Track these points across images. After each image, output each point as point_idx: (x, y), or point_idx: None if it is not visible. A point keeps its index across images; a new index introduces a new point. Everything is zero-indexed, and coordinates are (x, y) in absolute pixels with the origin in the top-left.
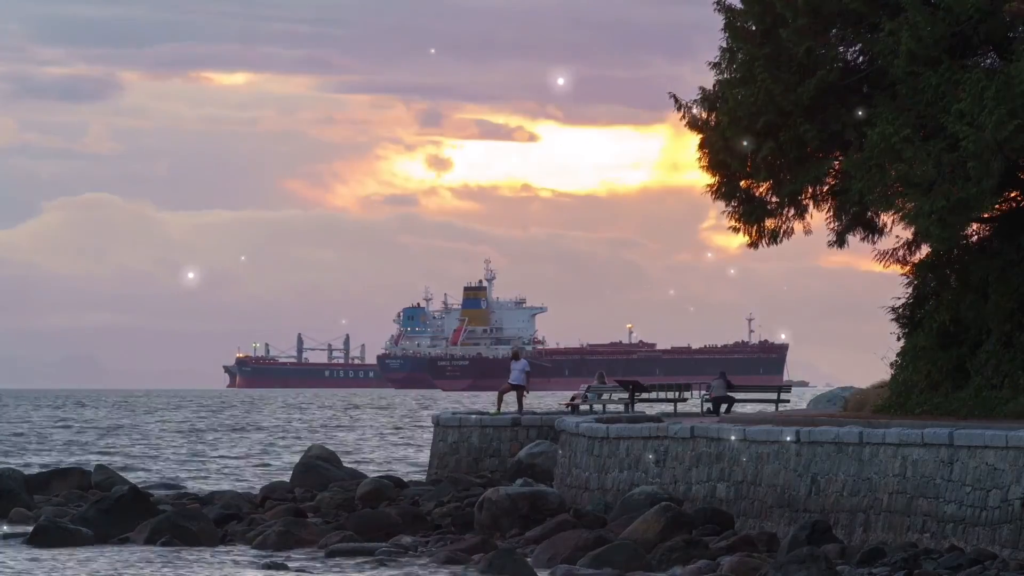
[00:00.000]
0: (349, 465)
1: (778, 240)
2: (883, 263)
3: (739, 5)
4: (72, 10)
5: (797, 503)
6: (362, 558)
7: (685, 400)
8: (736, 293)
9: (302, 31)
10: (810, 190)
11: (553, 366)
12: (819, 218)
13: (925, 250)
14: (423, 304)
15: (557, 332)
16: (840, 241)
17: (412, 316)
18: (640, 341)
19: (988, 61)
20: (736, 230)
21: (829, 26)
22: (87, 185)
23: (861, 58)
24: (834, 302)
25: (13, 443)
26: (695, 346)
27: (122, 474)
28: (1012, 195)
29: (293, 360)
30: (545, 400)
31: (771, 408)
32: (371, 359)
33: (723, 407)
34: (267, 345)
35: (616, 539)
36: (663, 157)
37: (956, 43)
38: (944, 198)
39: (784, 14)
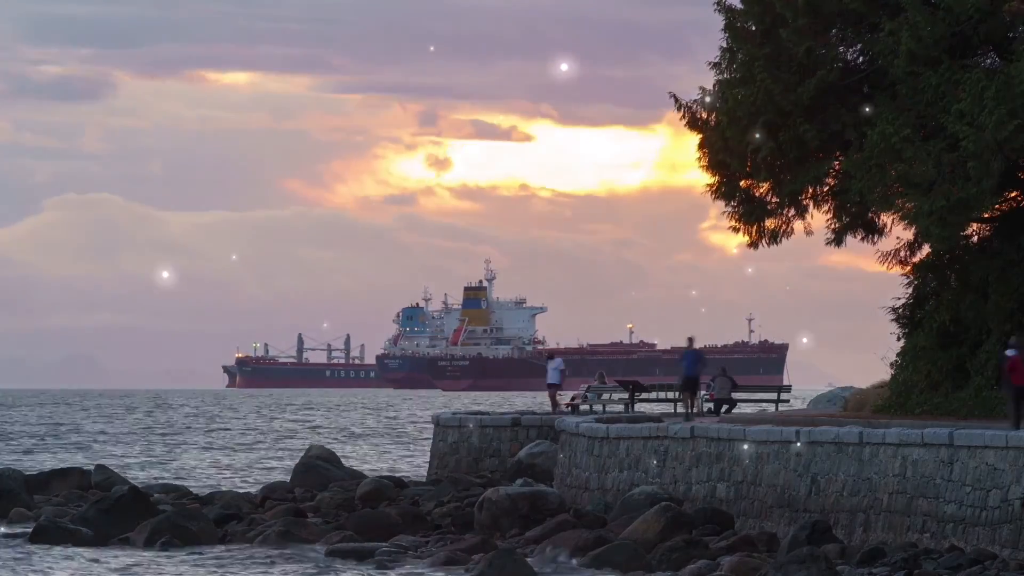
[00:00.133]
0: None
1: (778, 240)
2: (884, 263)
3: (739, 5)
4: (69, 10)
5: (797, 503)
6: (362, 558)
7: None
8: (736, 293)
9: (299, 31)
10: (810, 190)
11: None
12: (819, 218)
13: (925, 250)
14: (422, 304)
15: (557, 332)
16: (840, 241)
17: (411, 316)
18: (640, 341)
19: (988, 61)
20: (736, 230)
21: (829, 26)
22: (86, 185)
23: (861, 58)
24: (834, 302)
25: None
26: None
27: (123, 474)
28: (1012, 195)
29: (293, 360)
30: (545, 400)
31: (771, 408)
32: (371, 359)
33: (724, 408)
34: (266, 345)
35: (616, 539)
36: (662, 157)
37: (956, 43)
38: (944, 198)
39: (784, 14)
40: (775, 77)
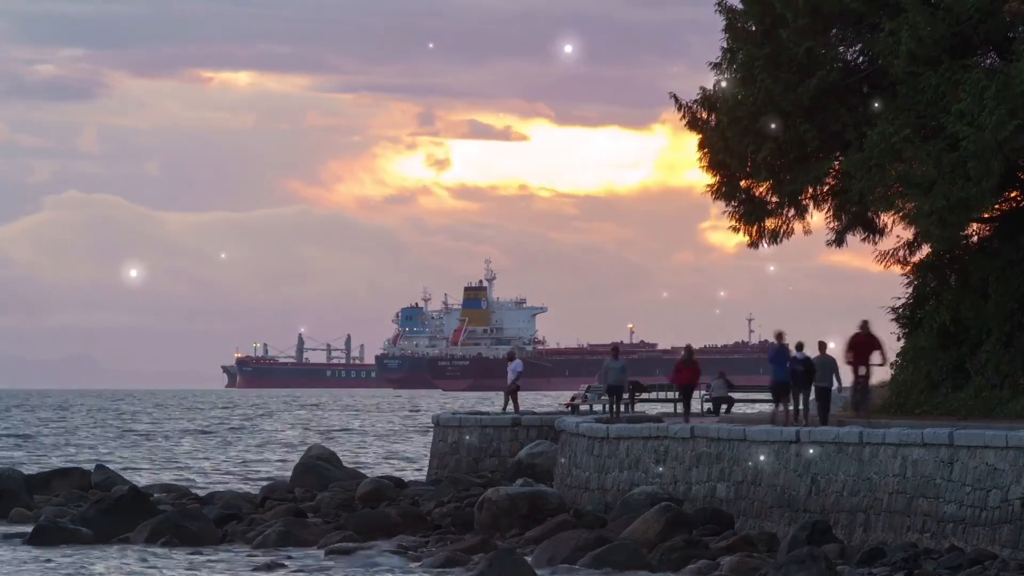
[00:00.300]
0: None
1: (778, 240)
2: (884, 263)
3: (739, 6)
4: (63, 9)
5: (797, 503)
6: (362, 558)
7: None
8: (737, 293)
9: (297, 30)
10: (810, 190)
11: (553, 366)
12: (819, 218)
13: (925, 250)
14: (422, 304)
15: (557, 332)
16: (840, 241)
17: (410, 316)
18: (640, 341)
19: (988, 61)
20: (736, 230)
21: (829, 26)
22: (85, 185)
23: (861, 58)
24: (834, 302)
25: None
26: (695, 346)
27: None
28: (1012, 195)
29: (293, 360)
30: (545, 400)
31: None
32: (370, 359)
33: (723, 407)
34: (266, 345)
35: (616, 539)
36: (662, 157)
37: (956, 43)
38: (944, 198)
39: (784, 14)
40: (775, 77)
